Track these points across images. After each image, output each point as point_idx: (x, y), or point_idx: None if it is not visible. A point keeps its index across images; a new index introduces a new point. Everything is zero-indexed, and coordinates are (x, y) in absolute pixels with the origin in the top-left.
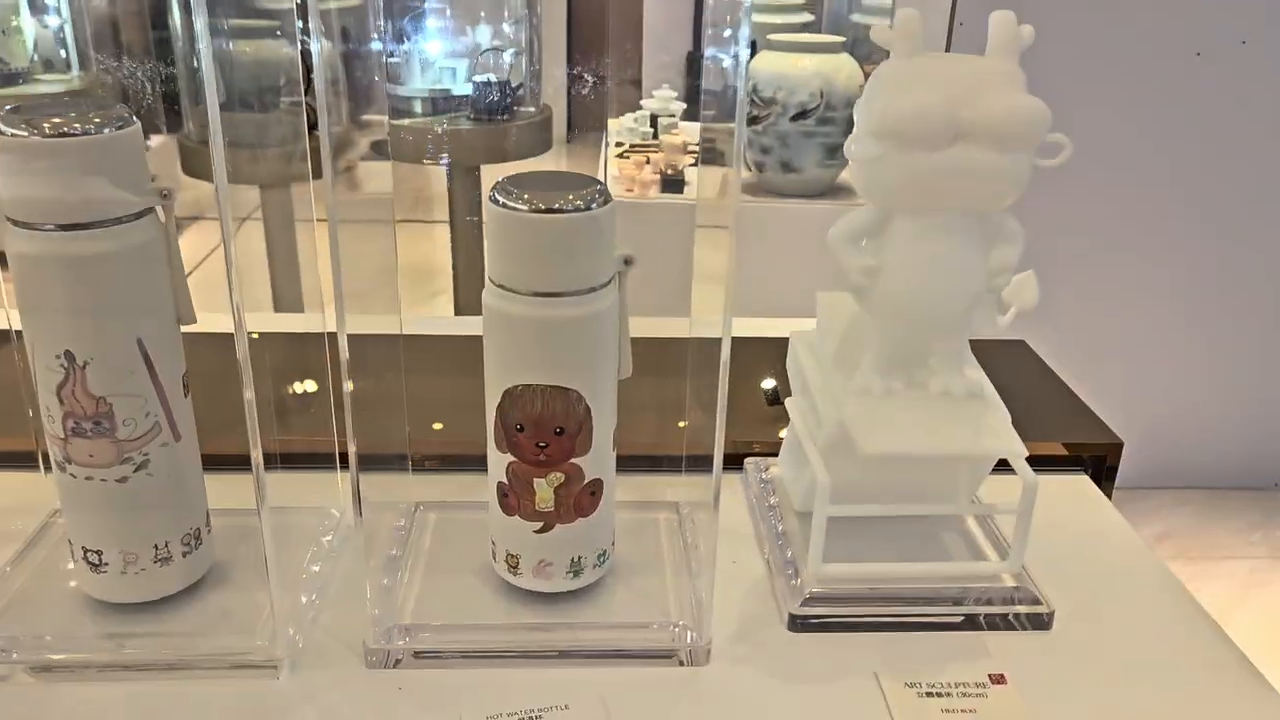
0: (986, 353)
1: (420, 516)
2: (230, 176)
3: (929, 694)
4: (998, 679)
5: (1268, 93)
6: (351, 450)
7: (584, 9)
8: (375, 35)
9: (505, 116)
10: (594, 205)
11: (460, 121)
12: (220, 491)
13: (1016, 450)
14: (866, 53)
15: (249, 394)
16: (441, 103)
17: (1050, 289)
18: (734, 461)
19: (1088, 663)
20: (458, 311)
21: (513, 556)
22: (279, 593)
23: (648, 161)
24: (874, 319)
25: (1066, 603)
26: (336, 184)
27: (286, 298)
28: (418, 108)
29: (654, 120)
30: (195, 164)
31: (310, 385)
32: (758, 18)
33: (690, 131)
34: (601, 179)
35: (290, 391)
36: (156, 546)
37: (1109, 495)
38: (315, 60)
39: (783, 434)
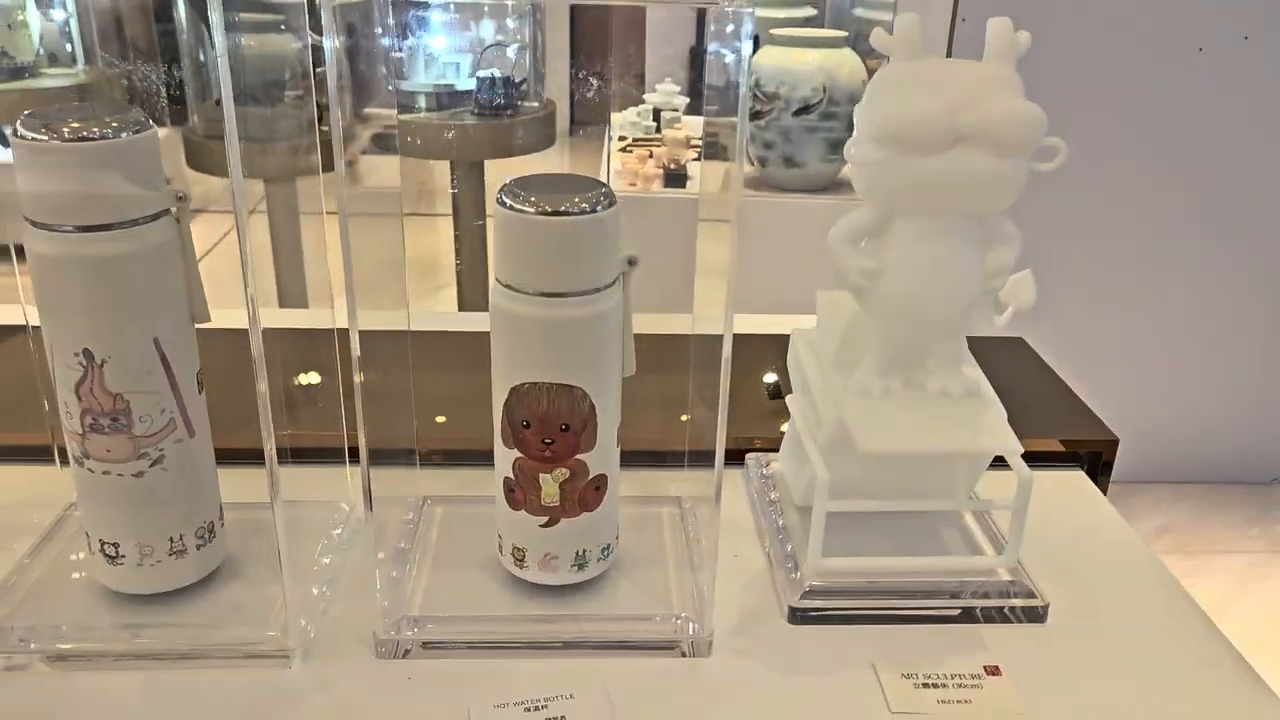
0: (985, 350)
1: (428, 510)
2: None
3: (925, 685)
4: (993, 670)
5: (1270, 89)
6: (363, 444)
7: (587, 4)
8: (381, 31)
9: (509, 112)
10: (600, 208)
11: (464, 117)
12: (232, 485)
13: (1012, 447)
14: (869, 48)
15: (263, 388)
16: (445, 98)
17: (1048, 287)
18: (735, 457)
19: (1081, 655)
20: (462, 306)
21: (519, 550)
22: (291, 585)
23: (650, 156)
24: (874, 320)
25: (1061, 596)
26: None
27: (291, 292)
28: (421, 103)
29: (657, 114)
30: (200, 158)
31: (318, 380)
32: (761, 12)
33: (693, 126)
34: (604, 174)
35: (299, 386)
36: (172, 539)
37: (1105, 491)
38: (327, 56)
39: (783, 429)
